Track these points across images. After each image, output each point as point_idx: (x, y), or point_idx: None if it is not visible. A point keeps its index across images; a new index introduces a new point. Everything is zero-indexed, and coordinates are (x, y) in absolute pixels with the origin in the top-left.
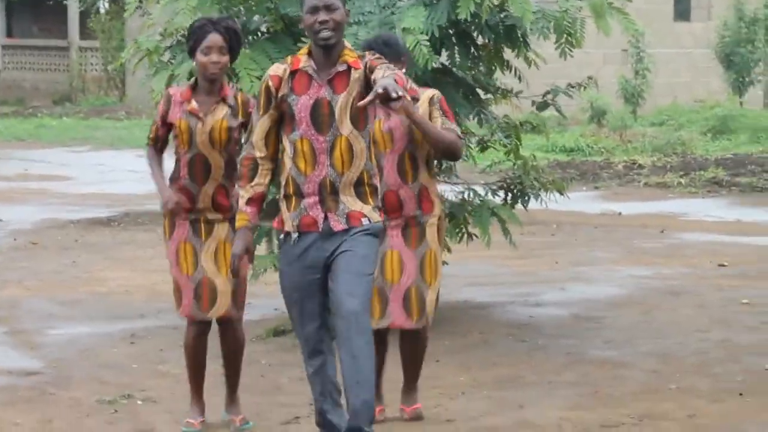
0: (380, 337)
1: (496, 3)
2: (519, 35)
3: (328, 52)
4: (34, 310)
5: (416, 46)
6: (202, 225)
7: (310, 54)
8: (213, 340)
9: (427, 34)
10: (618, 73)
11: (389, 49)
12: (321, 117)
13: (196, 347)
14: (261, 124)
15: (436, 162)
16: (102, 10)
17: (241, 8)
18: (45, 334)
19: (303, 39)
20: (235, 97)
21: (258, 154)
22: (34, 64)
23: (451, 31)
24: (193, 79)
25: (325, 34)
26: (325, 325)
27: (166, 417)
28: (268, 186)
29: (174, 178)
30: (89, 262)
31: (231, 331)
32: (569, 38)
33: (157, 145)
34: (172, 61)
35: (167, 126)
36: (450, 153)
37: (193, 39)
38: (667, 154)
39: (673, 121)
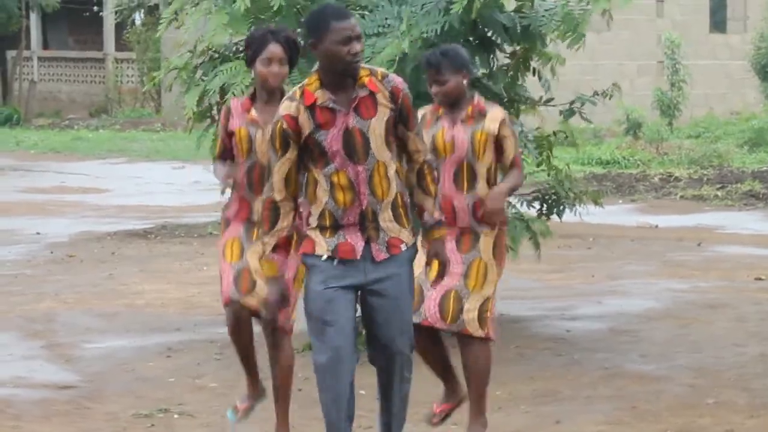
0: (428, 335)
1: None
2: (535, 33)
3: (346, 80)
4: (70, 323)
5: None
6: (255, 230)
7: (322, 85)
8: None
9: (429, 36)
10: (653, 85)
11: (447, 60)
12: (355, 147)
13: (237, 332)
14: (280, 167)
15: None
16: (138, 22)
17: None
18: (81, 347)
19: None
20: None
21: (277, 197)
22: (70, 76)
23: (471, 39)
24: (251, 89)
25: (357, 65)
26: (353, 341)
27: (202, 431)
28: (292, 225)
29: (233, 188)
30: (126, 274)
31: (277, 342)
32: (575, 30)
33: (224, 158)
34: (204, 78)
35: (229, 136)
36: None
37: (252, 49)
38: (704, 166)
39: (709, 133)
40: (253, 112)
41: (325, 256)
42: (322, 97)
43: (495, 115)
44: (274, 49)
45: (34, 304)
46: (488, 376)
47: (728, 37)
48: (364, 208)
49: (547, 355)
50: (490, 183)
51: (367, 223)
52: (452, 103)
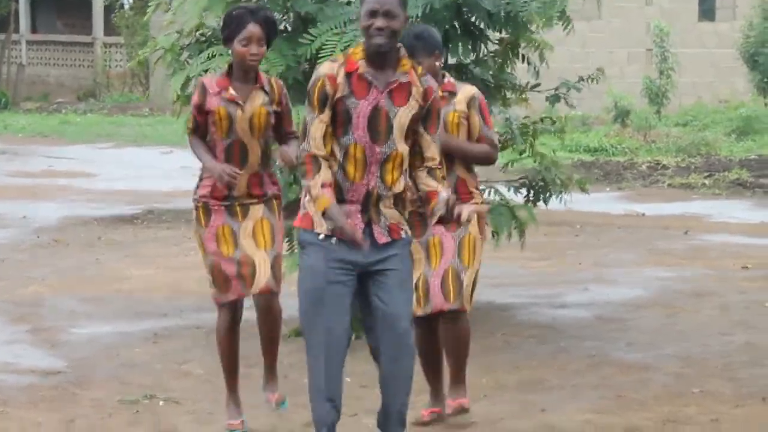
0: (430, 328)
1: None
2: (518, 19)
3: (382, 58)
4: (56, 308)
5: None
6: (238, 208)
7: (366, 57)
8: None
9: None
10: (642, 73)
11: (421, 43)
12: (378, 126)
13: (228, 336)
14: (319, 124)
15: None
16: (126, 6)
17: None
18: (67, 332)
19: (309, 35)
20: (270, 84)
21: (319, 153)
22: (58, 60)
23: (456, 25)
24: (226, 66)
25: (379, 41)
26: (349, 328)
27: (188, 417)
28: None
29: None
30: (112, 259)
31: (269, 304)
32: (558, 16)
33: (197, 132)
34: (189, 60)
35: (204, 114)
36: (483, 163)
37: (230, 28)
38: (691, 154)
39: (697, 121)
40: (231, 91)
41: (323, 235)
42: (363, 67)
43: (464, 93)
44: (253, 29)
45: (20, 289)
46: (468, 347)
47: (717, 25)
48: (370, 188)
49: (534, 343)
50: (466, 163)
51: (370, 204)
52: None
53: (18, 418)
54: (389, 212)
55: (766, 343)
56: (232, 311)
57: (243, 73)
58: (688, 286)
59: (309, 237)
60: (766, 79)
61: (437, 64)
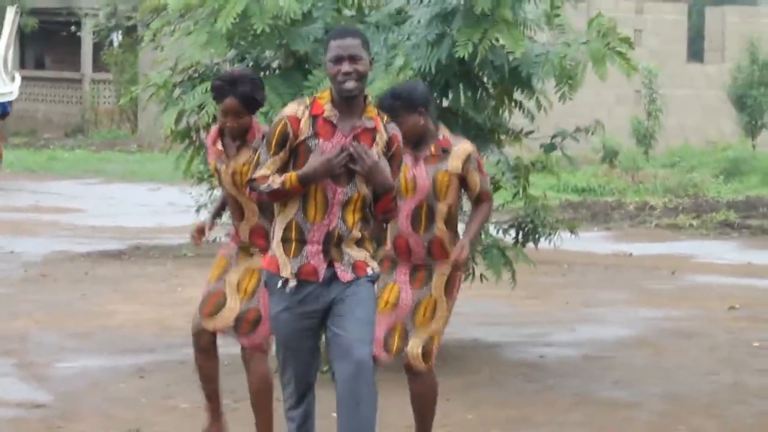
0: None
1: (495, 43)
2: (523, 76)
3: (350, 103)
4: (43, 342)
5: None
6: (242, 252)
7: (332, 101)
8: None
9: (423, 72)
10: (630, 114)
11: (400, 102)
12: (341, 168)
13: (198, 360)
14: (270, 165)
15: None
16: (115, 43)
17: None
18: (54, 367)
19: (312, 74)
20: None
21: (264, 173)
22: (46, 96)
23: (456, 72)
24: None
25: (348, 85)
26: (315, 367)
27: None
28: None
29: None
30: (99, 295)
31: (250, 364)
32: (569, 81)
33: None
34: (183, 96)
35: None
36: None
37: (214, 95)
38: (679, 195)
39: (684, 162)
40: (219, 145)
41: (280, 283)
42: (329, 111)
43: (460, 151)
44: (230, 102)
45: (7, 323)
46: (435, 406)
47: (705, 67)
48: (331, 228)
49: (520, 381)
50: (449, 222)
51: (330, 244)
52: (416, 141)
53: None
54: (354, 251)
55: (752, 382)
56: (198, 337)
57: (230, 134)
58: (675, 325)
59: (272, 283)
60: (753, 121)
61: (422, 121)
